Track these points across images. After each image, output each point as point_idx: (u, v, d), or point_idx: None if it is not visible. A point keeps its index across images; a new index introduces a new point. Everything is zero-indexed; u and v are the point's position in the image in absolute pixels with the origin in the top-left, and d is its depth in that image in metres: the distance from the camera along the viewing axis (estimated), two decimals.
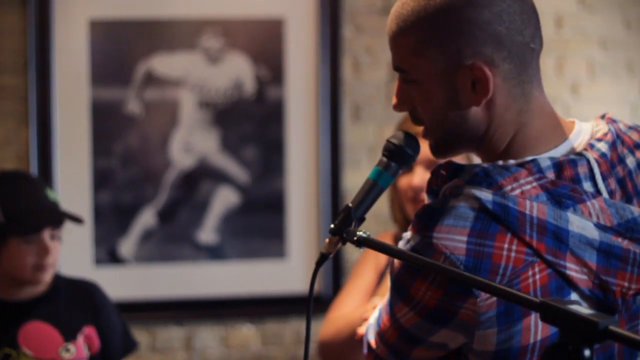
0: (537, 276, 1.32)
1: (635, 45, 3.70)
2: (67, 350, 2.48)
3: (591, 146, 1.41)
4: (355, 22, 3.51)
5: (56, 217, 2.48)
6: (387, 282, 1.46)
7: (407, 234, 1.40)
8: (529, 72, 1.41)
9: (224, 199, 3.44)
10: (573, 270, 1.32)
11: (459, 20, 1.37)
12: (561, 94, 3.63)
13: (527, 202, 1.33)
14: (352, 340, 2.06)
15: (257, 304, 3.47)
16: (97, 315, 2.57)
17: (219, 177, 3.44)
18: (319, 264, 1.41)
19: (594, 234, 1.33)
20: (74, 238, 3.26)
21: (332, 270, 3.45)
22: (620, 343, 1.11)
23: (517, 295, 1.18)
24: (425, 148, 1.52)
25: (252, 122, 3.45)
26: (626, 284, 1.34)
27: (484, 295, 1.31)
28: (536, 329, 1.33)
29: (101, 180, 3.37)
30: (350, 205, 1.41)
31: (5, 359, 2.43)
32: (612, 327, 1.08)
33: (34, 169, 3.28)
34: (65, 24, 3.33)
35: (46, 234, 2.46)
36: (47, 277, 2.48)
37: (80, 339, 2.51)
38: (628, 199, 1.41)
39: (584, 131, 1.46)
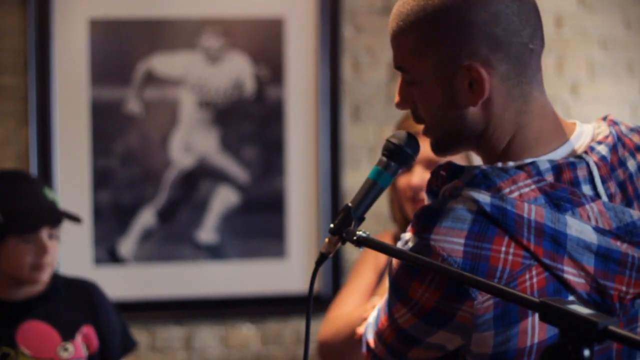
0: (535, 279, 1.32)
1: (636, 45, 3.70)
2: (66, 349, 2.48)
3: (591, 149, 1.41)
4: (355, 22, 3.51)
5: (54, 216, 2.48)
6: (387, 282, 1.46)
7: (406, 235, 1.40)
8: (527, 73, 1.40)
9: (224, 199, 3.44)
10: (570, 274, 1.32)
11: (455, 21, 1.37)
12: (561, 94, 3.63)
13: (526, 205, 1.33)
14: (352, 340, 2.06)
15: (257, 304, 3.47)
16: (95, 314, 2.57)
17: (219, 176, 3.44)
18: (318, 263, 1.41)
19: (592, 237, 1.33)
20: (74, 238, 3.26)
21: (331, 270, 3.46)
22: (620, 343, 1.11)
23: (517, 295, 1.18)
24: (424, 147, 1.52)
25: (252, 122, 3.45)
26: (624, 288, 1.34)
27: (481, 297, 1.31)
28: (533, 332, 1.33)
29: (101, 179, 3.37)
30: (349, 204, 1.41)
31: (3, 358, 2.43)
32: (612, 327, 1.08)
33: (33, 169, 3.27)
34: (65, 23, 3.33)
35: (44, 233, 2.46)
36: (45, 277, 2.48)
37: (79, 338, 2.51)
38: (628, 202, 1.40)
39: (585, 133, 1.45)
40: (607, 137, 1.43)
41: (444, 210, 1.34)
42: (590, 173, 1.38)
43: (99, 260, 3.36)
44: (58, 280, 2.57)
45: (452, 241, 1.32)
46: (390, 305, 1.43)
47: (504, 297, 1.19)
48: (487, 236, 1.32)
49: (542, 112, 1.42)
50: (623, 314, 1.35)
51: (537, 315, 1.31)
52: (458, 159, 2.13)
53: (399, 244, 1.40)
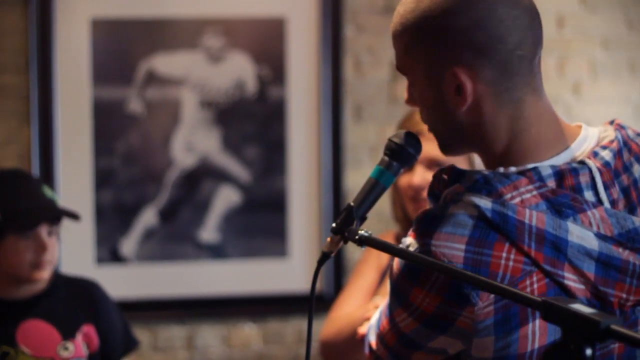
0: (535, 285, 1.32)
1: (637, 45, 3.70)
2: (66, 348, 2.48)
3: (595, 154, 1.40)
4: (356, 22, 3.51)
5: (52, 213, 2.49)
6: (389, 282, 1.46)
7: (407, 240, 1.40)
8: (515, 79, 1.39)
9: (226, 198, 3.44)
10: (571, 280, 1.32)
11: (438, 26, 1.38)
12: (563, 94, 3.63)
13: (527, 211, 1.32)
14: (354, 340, 2.06)
15: (258, 303, 3.47)
16: (96, 313, 2.57)
17: (221, 176, 3.44)
18: (320, 263, 1.41)
19: (593, 244, 1.33)
20: (76, 237, 3.26)
21: (333, 270, 3.46)
22: (623, 342, 1.11)
23: (519, 295, 1.17)
24: (426, 147, 1.52)
25: (253, 122, 3.45)
26: (624, 295, 1.33)
27: (481, 303, 1.31)
28: (534, 338, 1.33)
29: (103, 179, 3.37)
30: (352, 204, 1.42)
31: (3, 357, 2.43)
32: (615, 326, 1.08)
33: (35, 168, 3.28)
34: (66, 23, 3.33)
35: (43, 230, 2.46)
36: (45, 275, 2.48)
37: (79, 337, 2.51)
38: (632, 208, 1.40)
39: (590, 137, 1.44)
40: (612, 141, 1.42)
41: (445, 216, 1.34)
42: (593, 179, 1.37)
43: (100, 260, 3.36)
44: (59, 279, 2.57)
45: (452, 247, 1.32)
46: (392, 309, 1.43)
47: (506, 296, 1.19)
48: (487, 242, 1.32)
49: (540, 118, 1.41)
50: (623, 321, 1.35)
51: (537, 321, 1.31)
52: (460, 162, 2.13)
53: None
